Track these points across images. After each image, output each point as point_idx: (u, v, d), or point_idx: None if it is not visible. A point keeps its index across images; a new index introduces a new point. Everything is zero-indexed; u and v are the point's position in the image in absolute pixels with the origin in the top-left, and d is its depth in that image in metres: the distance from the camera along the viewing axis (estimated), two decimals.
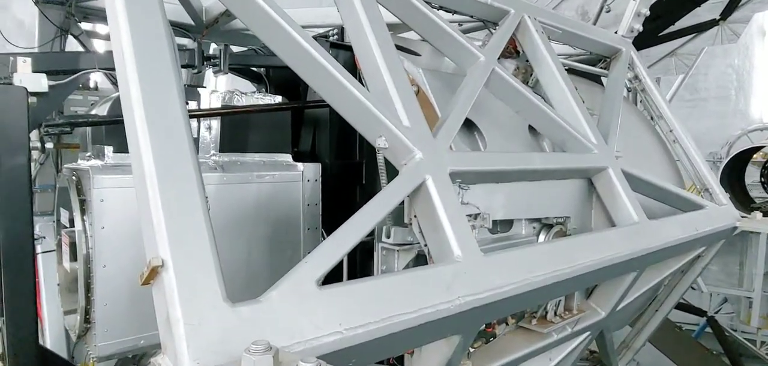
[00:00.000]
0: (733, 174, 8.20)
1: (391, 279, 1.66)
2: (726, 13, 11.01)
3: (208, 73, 3.55)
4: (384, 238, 2.21)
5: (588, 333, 2.98)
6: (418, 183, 1.90)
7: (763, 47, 15.46)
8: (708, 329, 13.48)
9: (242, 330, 1.29)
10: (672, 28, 10.57)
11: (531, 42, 3.01)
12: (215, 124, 2.72)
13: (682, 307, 13.48)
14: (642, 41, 11.34)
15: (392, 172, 1.99)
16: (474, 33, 4.40)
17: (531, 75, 3.30)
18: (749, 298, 16.97)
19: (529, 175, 2.52)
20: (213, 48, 3.64)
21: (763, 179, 9.01)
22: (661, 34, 10.52)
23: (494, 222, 2.65)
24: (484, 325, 2.23)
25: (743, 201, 8.15)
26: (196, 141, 2.64)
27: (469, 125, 2.83)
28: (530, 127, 3.04)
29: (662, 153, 4.09)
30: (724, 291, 16.16)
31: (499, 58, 3.40)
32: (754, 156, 10.41)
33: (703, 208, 3.38)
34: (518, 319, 2.47)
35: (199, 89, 2.79)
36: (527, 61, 3.14)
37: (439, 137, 2.08)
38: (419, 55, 3.07)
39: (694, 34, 11.42)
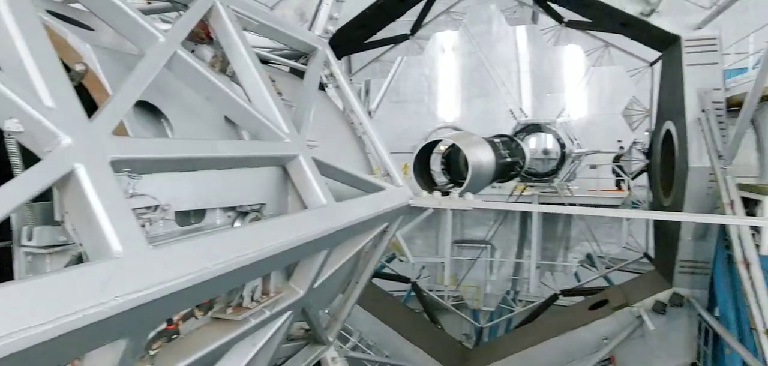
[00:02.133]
0: (422, 162, 9.91)
1: (9, 289, 1.37)
2: (414, 29, 13.26)
3: None
4: (25, 241, 1.84)
5: (289, 312, 3.13)
6: (64, 172, 1.63)
7: (444, 61, 19.26)
8: (413, 293, 16.17)
9: None
10: (375, 38, 12.21)
11: (223, 30, 2.97)
12: None
13: (392, 277, 15.79)
14: (352, 47, 12.66)
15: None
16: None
17: (229, 63, 3.28)
18: (442, 262, 20.97)
19: (217, 163, 2.48)
20: None
21: (443, 166, 11.13)
22: (366, 41, 12.01)
23: (185, 213, 2.53)
24: (164, 323, 2.10)
25: (429, 184, 9.95)
26: None
27: (155, 113, 2.62)
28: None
29: (355, 143, 4.63)
30: (425, 260, 19.60)
31: (195, 44, 3.28)
32: (438, 147, 12.74)
33: (384, 189, 3.95)
34: (206, 310, 2.42)
35: None
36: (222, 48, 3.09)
37: (98, 121, 1.84)
38: (92, 29, 2.68)
39: (391, 45, 13.46)
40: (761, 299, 7.34)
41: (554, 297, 14.70)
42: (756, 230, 8.34)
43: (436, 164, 12.09)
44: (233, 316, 2.53)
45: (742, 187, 8.75)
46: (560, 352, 11.49)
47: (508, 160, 12.24)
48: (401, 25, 12.75)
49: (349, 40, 11.02)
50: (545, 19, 14.93)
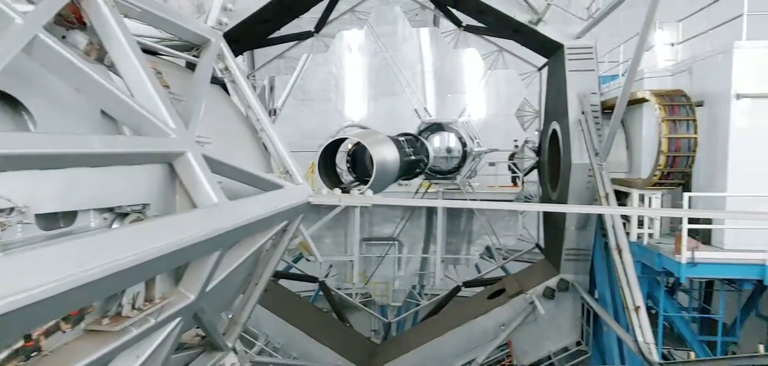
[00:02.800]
0: (327, 161, 9.84)
1: None
2: (319, 27, 13.15)
3: None
4: None
5: (178, 319, 2.95)
6: None
7: (350, 60, 19.31)
8: (321, 293, 16.07)
9: None
10: (279, 34, 11.93)
11: (98, 14, 2.72)
12: None
13: (300, 277, 15.58)
14: (254, 42, 12.28)
15: None
16: None
17: (108, 53, 3.01)
18: (351, 260, 21.01)
19: (89, 160, 2.26)
20: None
21: (348, 165, 11.14)
22: (269, 37, 11.70)
23: (51, 216, 2.28)
24: (21, 340, 1.87)
25: (335, 182, 9.93)
26: None
27: (15, 105, 2.34)
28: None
29: (253, 141, 4.49)
30: (334, 259, 19.56)
31: (67, 29, 2.97)
32: (344, 145, 12.69)
33: (282, 187, 3.86)
34: (75, 323, 2.19)
35: None
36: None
37: None
38: None
39: (295, 42, 13.23)
40: (631, 280, 8.26)
41: (457, 289, 15.39)
42: (627, 219, 9.38)
43: (343, 163, 12.05)
44: (110, 327, 2.33)
45: (615, 181, 9.80)
46: (463, 340, 12.08)
47: (413, 158, 12.58)
48: (306, 21, 12.57)
49: (252, 34, 10.67)
50: (446, 23, 15.57)
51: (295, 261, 15.95)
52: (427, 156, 14.33)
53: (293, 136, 17.07)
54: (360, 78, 19.51)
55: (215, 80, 4.56)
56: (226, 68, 4.13)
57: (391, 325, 16.66)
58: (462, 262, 18.47)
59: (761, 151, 8.10)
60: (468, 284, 15.38)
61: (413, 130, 15.83)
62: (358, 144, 10.61)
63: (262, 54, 14.91)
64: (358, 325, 16.27)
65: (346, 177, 11.20)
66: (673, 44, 10.41)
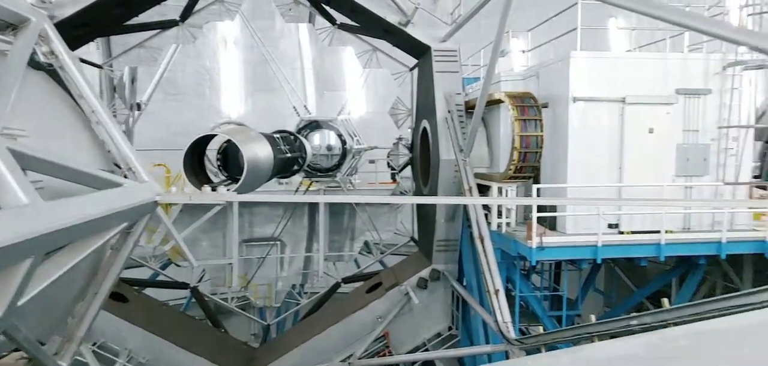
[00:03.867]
0: (195, 158, 9.27)
1: None
2: (184, 16, 12.34)
3: None
4: None
5: None
6: None
7: (226, 54, 18.41)
8: (194, 300, 15.13)
9: None
10: (141, 21, 10.94)
11: None
12: None
13: (168, 285, 14.54)
14: (109, 28, 11.15)
15: None
16: None
17: None
18: (230, 264, 20.01)
19: None
20: None
21: (219, 162, 10.61)
22: (127, 23, 10.69)
23: None
24: None
25: (204, 180, 9.38)
26: None
27: None
28: None
29: (92, 135, 4.05)
30: (211, 262, 18.52)
31: None
32: (215, 142, 12.03)
33: (121, 185, 3.54)
34: None
35: None
36: None
37: None
38: None
39: (158, 30, 12.25)
40: (492, 266, 8.97)
41: (337, 285, 15.49)
42: (488, 210, 10.18)
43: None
44: None
45: (477, 175, 10.57)
46: (342, 335, 12.18)
47: (288, 155, 12.38)
48: (170, 9, 11.66)
49: (106, 19, 9.65)
50: (322, 20, 15.56)
51: (164, 267, 14.83)
52: (305, 153, 14.19)
53: (162, 133, 15.81)
54: (236, 73, 18.69)
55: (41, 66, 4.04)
56: (52, 52, 3.67)
57: (270, 327, 16.26)
58: (345, 259, 18.60)
59: (593, 148, 9.30)
60: (347, 280, 15.56)
61: (292, 128, 15.58)
62: (229, 141, 10.16)
63: (121, 42, 13.55)
64: (235, 330, 15.61)
65: (221, 176, 10.64)
66: (524, 51, 11.52)
